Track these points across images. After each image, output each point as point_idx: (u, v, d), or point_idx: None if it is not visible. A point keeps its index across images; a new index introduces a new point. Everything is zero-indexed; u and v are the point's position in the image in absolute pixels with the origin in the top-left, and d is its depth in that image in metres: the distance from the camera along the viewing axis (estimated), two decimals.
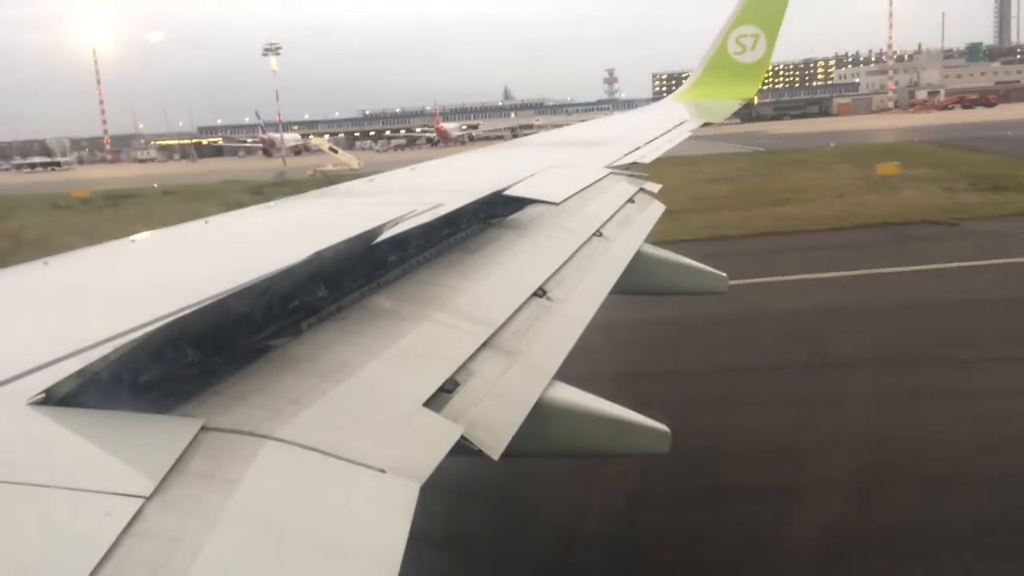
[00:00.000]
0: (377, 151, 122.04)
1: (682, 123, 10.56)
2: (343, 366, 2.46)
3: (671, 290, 6.02)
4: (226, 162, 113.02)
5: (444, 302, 3.21)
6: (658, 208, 6.13)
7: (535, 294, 3.57)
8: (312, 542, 1.72)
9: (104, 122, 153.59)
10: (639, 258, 4.92)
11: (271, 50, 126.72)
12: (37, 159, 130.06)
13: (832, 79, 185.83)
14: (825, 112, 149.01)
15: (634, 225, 5.42)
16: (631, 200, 5.95)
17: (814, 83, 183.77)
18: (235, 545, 1.62)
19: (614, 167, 6.98)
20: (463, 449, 2.31)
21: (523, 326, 3.23)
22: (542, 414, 2.73)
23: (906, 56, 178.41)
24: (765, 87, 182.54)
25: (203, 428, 1.92)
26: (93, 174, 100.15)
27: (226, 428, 1.96)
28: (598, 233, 4.83)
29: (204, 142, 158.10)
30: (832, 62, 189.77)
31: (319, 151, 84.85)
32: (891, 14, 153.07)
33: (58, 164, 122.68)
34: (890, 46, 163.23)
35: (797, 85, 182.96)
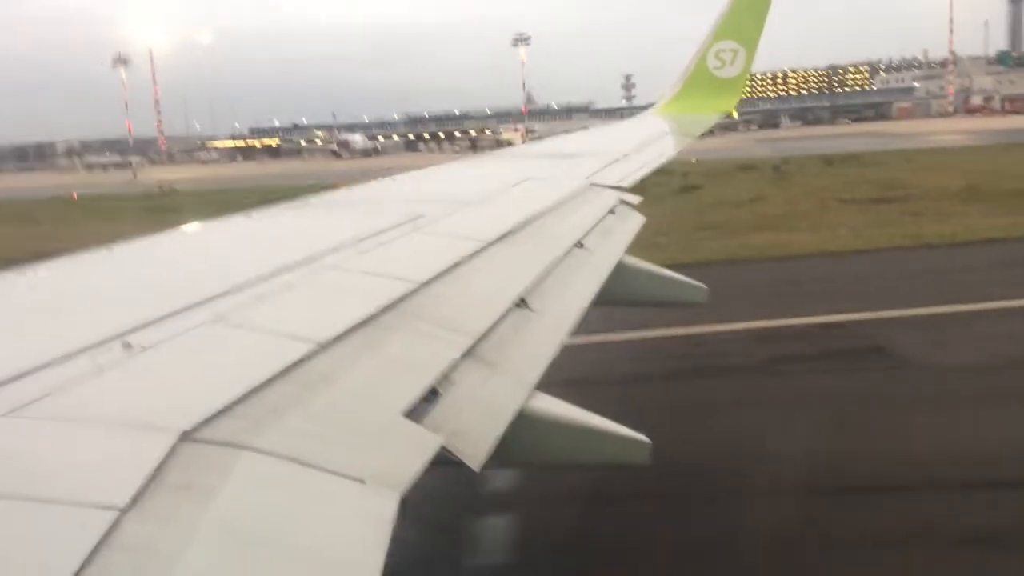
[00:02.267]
0: (455, 153, 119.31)
1: (663, 135, 10.75)
2: (322, 376, 2.45)
3: (650, 301, 6.10)
4: (307, 164, 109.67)
5: (424, 312, 3.21)
6: (638, 220, 6.18)
7: (516, 304, 3.59)
8: (290, 553, 1.71)
9: (159, 123, 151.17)
10: (619, 269, 4.98)
11: (520, 40, 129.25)
12: (107, 159, 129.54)
13: (870, 84, 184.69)
14: (883, 116, 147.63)
15: (615, 236, 5.48)
16: (612, 211, 6.01)
17: (844, 88, 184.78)
18: (212, 557, 1.61)
19: (595, 178, 7.04)
20: (443, 459, 2.31)
21: (504, 336, 3.24)
22: (523, 425, 2.74)
23: (924, 63, 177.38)
24: (791, 93, 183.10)
25: (181, 438, 1.90)
26: (176, 175, 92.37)
27: (204, 439, 1.95)
28: (579, 244, 4.88)
29: (258, 144, 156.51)
30: (864, 68, 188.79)
31: (509, 144, 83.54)
32: (951, 19, 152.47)
33: (129, 164, 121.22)
34: (952, 51, 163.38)
35: (826, 91, 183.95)
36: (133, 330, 2.51)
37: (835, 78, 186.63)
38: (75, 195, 57.96)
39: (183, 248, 4.23)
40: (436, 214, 4.88)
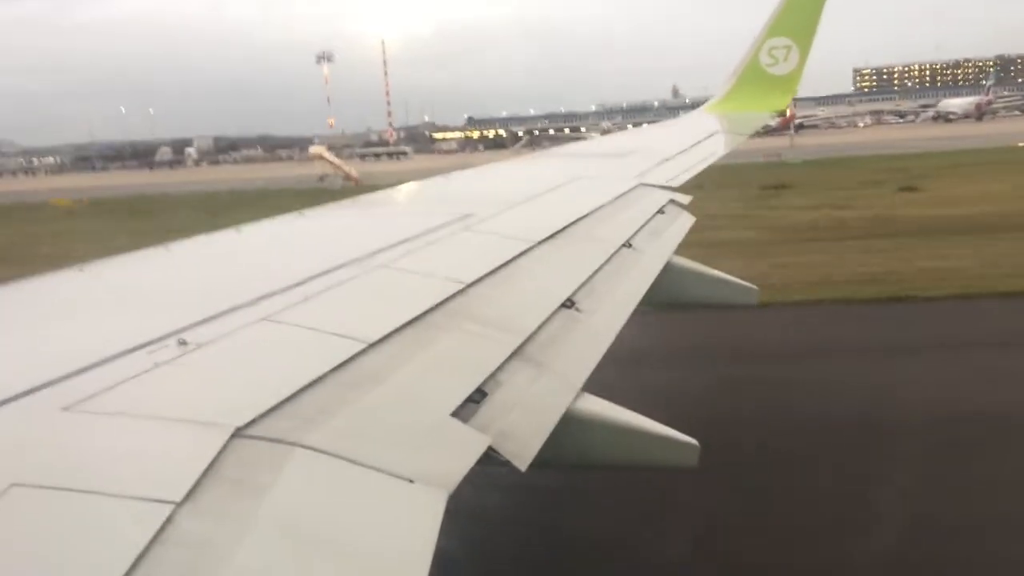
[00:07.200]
0: None
1: (712, 135, 10.64)
2: (371, 375, 2.48)
3: (700, 302, 6.03)
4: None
5: (472, 312, 3.22)
6: (687, 220, 6.12)
7: (564, 305, 3.59)
8: (340, 550, 1.73)
9: (389, 114, 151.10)
10: (668, 270, 4.94)
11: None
12: (380, 148, 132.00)
13: None
14: None
15: (663, 237, 5.44)
16: (661, 211, 5.98)
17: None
18: (263, 553, 1.64)
19: (646, 177, 7.03)
20: (491, 459, 2.32)
21: (552, 337, 3.24)
22: (570, 425, 2.74)
23: None
24: (962, 83, 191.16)
25: (234, 435, 1.94)
26: (445, 162, 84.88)
27: (256, 435, 1.98)
28: (627, 244, 4.86)
29: (477, 135, 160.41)
30: None
31: None
32: None
33: (404, 153, 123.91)
34: None
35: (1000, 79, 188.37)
36: (189, 327, 2.58)
37: (1013, 67, 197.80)
38: None
39: (237, 247, 4.31)
40: (485, 213, 4.90)
